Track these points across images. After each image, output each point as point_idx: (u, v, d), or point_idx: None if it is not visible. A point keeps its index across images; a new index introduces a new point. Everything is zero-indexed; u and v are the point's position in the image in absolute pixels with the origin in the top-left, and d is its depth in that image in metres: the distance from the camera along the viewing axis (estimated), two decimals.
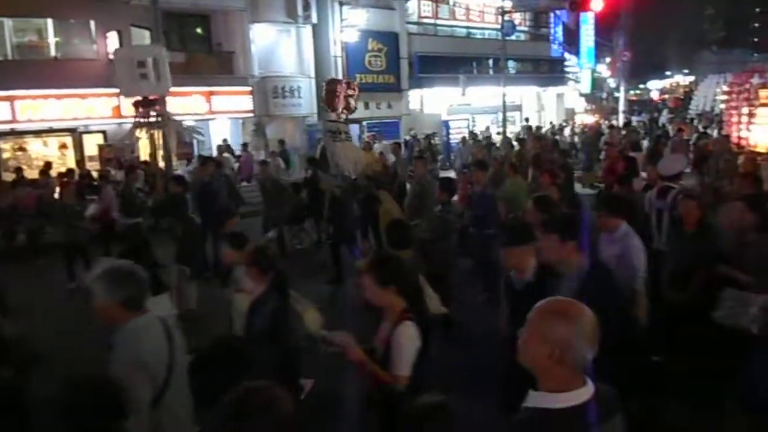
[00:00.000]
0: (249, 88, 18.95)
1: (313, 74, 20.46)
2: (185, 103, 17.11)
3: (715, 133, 14.85)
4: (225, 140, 18.39)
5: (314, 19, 20.06)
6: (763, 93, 11.47)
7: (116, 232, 9.47)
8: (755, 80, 11.78)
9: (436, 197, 7.34)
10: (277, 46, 20.11)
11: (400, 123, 23.56)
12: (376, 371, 2.94)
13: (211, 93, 18.17)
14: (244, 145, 18.85)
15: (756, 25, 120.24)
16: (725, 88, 12.47)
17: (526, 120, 26.94)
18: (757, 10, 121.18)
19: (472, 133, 23.60)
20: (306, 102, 20.21)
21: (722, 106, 12.38)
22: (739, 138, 11.71)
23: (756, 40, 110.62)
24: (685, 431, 4.32)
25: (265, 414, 1.72)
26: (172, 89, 11.09)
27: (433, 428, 2.43)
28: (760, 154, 9.99)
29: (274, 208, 10.32)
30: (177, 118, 12.12)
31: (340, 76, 20.85)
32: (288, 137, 19.60)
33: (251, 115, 19.40)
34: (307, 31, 20.39)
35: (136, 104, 10.67)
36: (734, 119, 12.01)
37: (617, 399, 1.97)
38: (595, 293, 2.63)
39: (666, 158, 10.01)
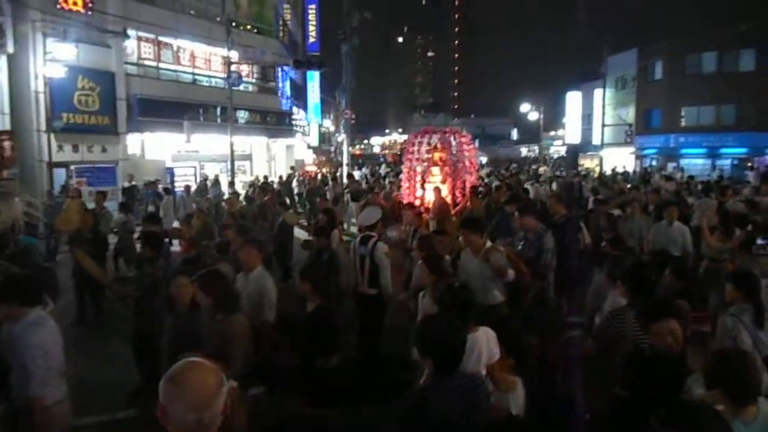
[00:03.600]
0: None
1: (7, 110, 17.92)
2: None
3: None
4: None
5: (10, 48, 17.74)
6: (435, 155, 12.86)
7: None
8: (426, 140, 13.06)
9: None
10: None
11: (117, 168, 21.80)
12: None
13: None
14: None
15: (455, 94, 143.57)
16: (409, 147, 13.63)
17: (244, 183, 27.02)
18: (456, 81, 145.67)
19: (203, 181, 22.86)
20: None
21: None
22: (414, 196, 12.88)
23: (456, 106, 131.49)
24: None
25: None
26: None
27: None
28: (427, 210, 11.20)
29: None
30: None
31: (42, 113, 18.77)
32: None
33: None
34: (0, 62, 17.86)
35: None
36: (410, 178, 13.10)
37: None
38: None
39: (365, 210, 11.10)
